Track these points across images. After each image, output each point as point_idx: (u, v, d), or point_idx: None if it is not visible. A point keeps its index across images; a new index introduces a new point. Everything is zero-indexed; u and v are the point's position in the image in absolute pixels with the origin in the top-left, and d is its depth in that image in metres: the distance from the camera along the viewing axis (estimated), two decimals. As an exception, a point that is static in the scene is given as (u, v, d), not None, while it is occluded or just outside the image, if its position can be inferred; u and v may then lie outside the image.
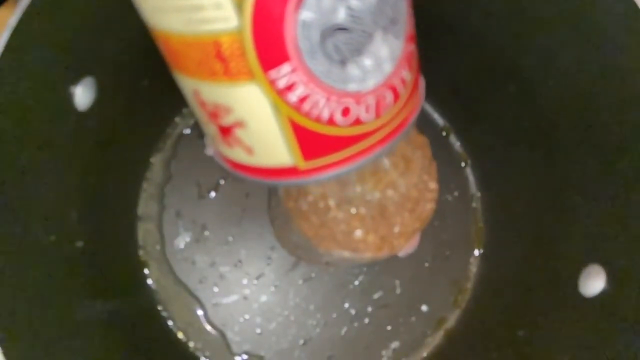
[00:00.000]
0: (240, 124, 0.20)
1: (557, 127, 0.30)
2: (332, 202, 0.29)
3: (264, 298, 0.36)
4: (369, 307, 0.37)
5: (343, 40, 0.18)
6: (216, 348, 0.36)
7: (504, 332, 0.33)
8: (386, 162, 0.29)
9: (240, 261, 0.37)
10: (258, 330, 0.36)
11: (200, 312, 0.36)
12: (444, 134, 0.40)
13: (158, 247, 0.37)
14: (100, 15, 0.27)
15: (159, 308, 0.36)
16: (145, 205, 0.37)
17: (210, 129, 0.22)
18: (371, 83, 0.19)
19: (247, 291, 0.36)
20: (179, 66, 0.20)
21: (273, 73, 0.18)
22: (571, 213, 0.30)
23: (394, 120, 0.21)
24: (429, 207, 0.31)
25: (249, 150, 0.21)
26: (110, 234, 0.34)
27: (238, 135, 0.20)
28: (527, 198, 0.35)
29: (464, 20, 0.32)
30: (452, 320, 0.38)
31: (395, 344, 0.37)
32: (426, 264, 0.38)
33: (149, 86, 0.33)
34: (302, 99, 0.18)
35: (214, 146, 0.24)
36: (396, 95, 0.21)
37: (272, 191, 0.35)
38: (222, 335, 0.36)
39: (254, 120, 0.19)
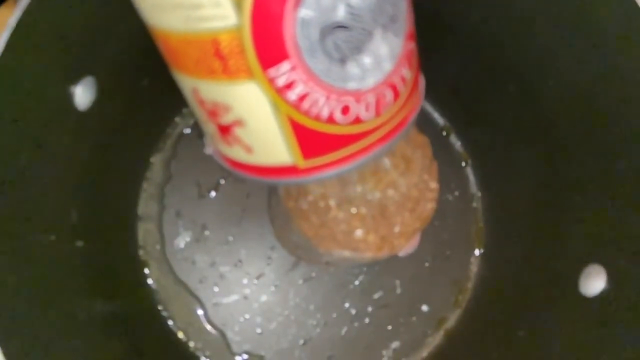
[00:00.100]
0: (239, 122, 0.20)
1: (557, 127, 0.30)
2: (332, 202, 0.29)
3: (264, 298, 0.36)
4: (369, 307, 0.37)
5: (343, 38, 0.18)
6: (216, 348, 0.36)
7: (505, 332, 0.33)
8: (387, 162, 0.29)
9: (240, 261, 0.37)
10: (258, 330, 0.36)
11: (200, 312, 0.36)
12: (444, 133, 0.40)
13: (158, 247, 0.37)
14: (100, 15, 0.27)
15: (159, 308, 0.36)
16: (145, 205, 0.37)
17: (210, 128, 0.22)
18: (371, 81, 0.19)
19: (247, 291, 0.36)
20: (177, 65, 0.20)
21: (272, 71, 0.18)
22: (571, 213, 0.30)
23: (394, 118, 0.21)
24: (429, 206, 0.31)
25: (248, 149, 0.21)
26: (110, 234, 0.34)
27: (237, 134, 0.20)
28: (528, 198, 0.35)
29: (464, 20, 0.32)
30: (452, 320, 0.38)
31: (395, 344, 0.37)
32: (426, 264, 0.38)
33: (149, 86, 0.33)
34: (302, 98, 0.18)
35: (213, 145, 0.24)
36: (396, 94, 0.21)
37: (272, 191, 0.35)
38: (223, 335, 0.36)
39: (253, 119, 0.19)
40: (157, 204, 0.37)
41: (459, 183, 0.39)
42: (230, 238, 0.37)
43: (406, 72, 0.21)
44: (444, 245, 0.38)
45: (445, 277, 0.38)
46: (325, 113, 0.19)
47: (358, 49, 0.18)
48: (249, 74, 0.18)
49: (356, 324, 0.37)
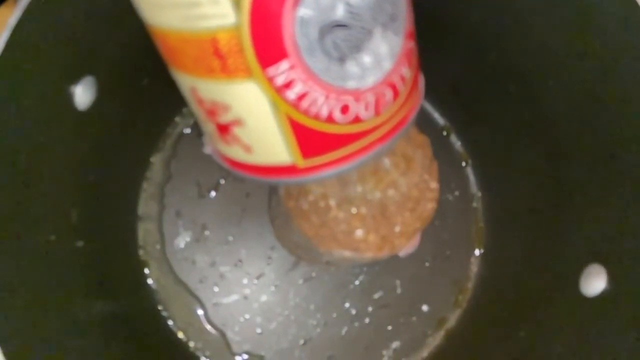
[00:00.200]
0: (238, 121, 0.20)
1: (557, 127, 0.30)
2: (332, 202, 0.29)
3: (264, 298, 0.36)
4: (369, 306, 0.37)
5: (342, 37, 0.18)
6: (216, 348, 0.36)
7: (505, 332, 0.33)
8: (387, 162, 0.29)
9: (240, 261, 0.37)
10: (258, 330, 0.36)
11: (200, 312, 0.36)
12: (444, 133, 0.40)
13: (158, 247, 0.37)
14: (100, 15, 0.27)
15: (159, 308, 0.36)
16: (145, 205, 0.37)
17: (208, 127, 0.22)
18: (370, 80, 0.19)
19: (247, 291, 0.36)
20: (176, 63, 0.20)
21: (271, 70, 0.18)
22: (572, 212, 0.30)
23: (393, 117, 0.21)
24: (429, 206, 0.31)
25: (247, 149, 0.21)
26: (110, 234, 0.34)
27: (236, 133, 0.20)
28: (528, 197, 0.35)
29: (464, 20, 0.32)
30: (452, 320, 0.38)
31: (395, 344, 0.37)
32: (427, 264, 0.38)
33: (149, 86, 0.33)
34: (301, 97, 0.18)
35: (212, 144, 0.24)
36: (396, 93, 0.21)
37: (272, 191, 0.35)
38: (223, 335, 0.36)
39: (252, 118, 0.19)
40: (157, 204, 0.37)
41: (459, 183, 0.39)
42: (230, 238, 0.37)
43: (406, 71, 0.21)
44: (444, 245, 0.38)
45: (446, 277, 0.38)
46: (324, 112, 0.19)
47: (357, 47, 0.18)
48: (248, 73, 0.18)
49: (356, 324, 0.37)
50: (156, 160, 0.38)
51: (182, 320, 0.36)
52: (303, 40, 0.17)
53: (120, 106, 0.32)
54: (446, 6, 0.32)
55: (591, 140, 0.28)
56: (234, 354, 0.36)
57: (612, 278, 0.26)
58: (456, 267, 0.38)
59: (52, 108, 0.26)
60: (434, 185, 0.31)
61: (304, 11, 0.17)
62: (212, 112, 0.20)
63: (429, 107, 0.40)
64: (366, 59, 0.19)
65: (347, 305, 0.37)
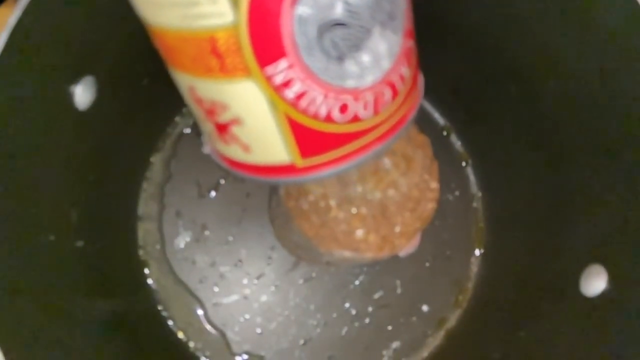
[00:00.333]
0: (236, 121, 0.20)
1: (557, 127, 0.30)
2: (333, 202, 0.29)
3: (264, 298, 0.36)
4: (369, 307, 0.37)
5: (340, 36, 0.18)
6: (216, 348, 0.36)
7: (505, 332, 0.33)
8: (387, 162, 0.29)
9: (240, 261, 0.37)
10: (258, 330, 0.36)
11: (200, 312, 0.36)
12: (444, 133, 0.40)
13: (158, 247, 0.37)
14: (100, 15, 0.27)
15: (159, 308, 0.36)
16: (145, 205, 0.37)
17: (207, 127, 0.22)
18: (369, 79, 0.19)
19: (247, 291, 0.36)
20: (174, 62, 0.20)
21: (269, 69, 0.18)
22: (572, 212, 0.30)
23: (392, 117, 0.21)
24: (430, 206, 0.31)
25: (246, 148, 0.21)
26: (110, 234, 0.34)
27: (235, 133, 0.20)
28: (528, 197, 0.35)
29: (464, 20, 0.32)
30: (453, 320, 0.38)
31: (396, 344, 0.37)
32: (427, 264, 0.38)
33: (149, 86, 0.33)
34: (299, 96, 0.18)
35: (211, 144, 0.24)
36: (395, 92, 0.21)
37: (272, 191, 0.35)
38: (223, 335, 0.36)
39: (251, 118, 0.19)
40: (157, 204, 0.37)
41: (459, 183, 0.39)
42: (230, 238, 0.37)
43: (405, 70, 0.21)
44: (445, 245, 0.38)
45: (446, 277, 0.38)
46: (323, 111, 0.19)
47: (356, 46, 0.18)
48: (246, 72, 0.18)
49: (356, 324, 0.37)
50: (156, 160, 0.38)
51: (182, 320, 0.36)
52: (302, 39, 0.17)
53: (120, 106, 0.32)
54: (446, 6, 0.32)
55: (591, 140, 0.28)
56: (234, 354, 0.36)
57: (612, 278, 0.26)
58: (456, 267, 0.38)
59: (52, 108, 0.26)
60: (434, 185, 0.31)
61: (302, 9, 0.17)
62: (210, 112, 0.20)
63: (429, 107, 0.40)
64: (365, 58, 0.19)
65: (347, 305, 0.37)
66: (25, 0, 0.22)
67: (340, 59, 0.18)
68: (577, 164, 0.30)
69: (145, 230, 0.37)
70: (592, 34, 0.26)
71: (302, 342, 0.36)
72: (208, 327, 0.36)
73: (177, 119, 0.38)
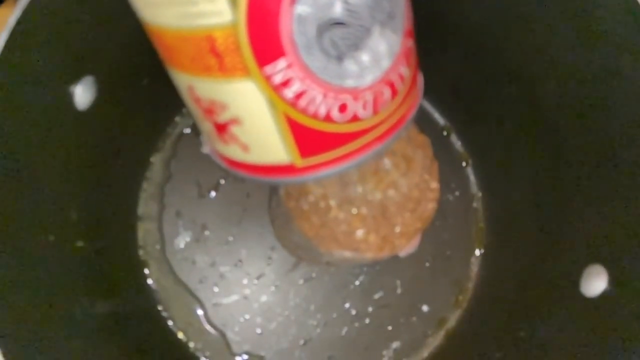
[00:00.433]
0: (235, 120, 0.20)
1: (557, 127, 0.30)
2: (333, 202, 0.29)
3: (264, 298, 0.36)
4: (369, 307, 0.37)
5: (340, 35, 0.18)
6: (216, 348, 0.36)
7: (505, 333, 0.33)
8: (387, 162, 0.29)
9: (240, 261, 0.37)
10: (258, 330, 0.36)
11: (200, 312, 0.36)
12: (445, 133, 0.40)
13: (158, 247, 0.37)
14: (100, 15, 0.27)
15: (159, 308, 0.36)
16: (145, 205, 0.37)
17: (206, 126, 0.22)
18: (369, 79, 0.19)
19: (247, 291, 0.36)
20: (173, 62, 0.20)
21: (268, 69, 0.18)
22: (572, 213, 0.30)
23: (392, 116, 0.21)
24: (430, 206, 0.31)
25: (245, 148, 0.21)
26: (110, 234, 0.34)
27: (234, 133, 0.20)
28: (528, 198, 0.35)
29: (464, 20, 0.32)
30: (453, 320, 0.37)
31: (396, 344, 0.37)
32: (427, 264, 0.38)
33: (149, 86, 0.33)
34: (299, 95, 0.18)
35: (210, 144, 0.24)
36: (394, 92, 0.20)
37: (272, 191, 0.35)
38: (222, 335, 0.36)
39: (250, 117, 0.19)
40: (157, 204, 0.37)
41: (460, 183, 0.39)
42: (230, 238, 0.37)
43: (404, 70, 0.21)
44: (445, 245, 0.38)
45: (446, 277, 0.38)
46: (322, 111, 0.19)
47: (355, 46, 0.18)
48: (245, 72, 0.18)
49: (356, 324, 0.37)
50: (156, 160, 0.38)
51: (182, 320, 0.36)
52: (301, 38, 0.17)
53: (120, 106, 0.32)
54: (446, 6, 0.32)
55: (591, 140, 0.28)
56: (233, 354, 0.36)
57: (612, 278, 0.26)
58: (456, 267, 0.38)
59: (52, 108, 0.26)
60: (435, 185, 0.31)
61: (301, 8, 0.17)
62: (209, 111, 0.20)
63: (429, 107, 0.40)
64: (364, 57, 0.19)
65: (347, 305, 0.37)
66: (25, 0, 0.22)
67: (340, 58, 0.18)
68: (577, 163, 0.30)
69: (145, 230, 0.37)
70: (592, 34, 0.26)
71: (302, 342, 0.36)
72: (208, 327, 0.36)
73: (177, 119, 0.38)
